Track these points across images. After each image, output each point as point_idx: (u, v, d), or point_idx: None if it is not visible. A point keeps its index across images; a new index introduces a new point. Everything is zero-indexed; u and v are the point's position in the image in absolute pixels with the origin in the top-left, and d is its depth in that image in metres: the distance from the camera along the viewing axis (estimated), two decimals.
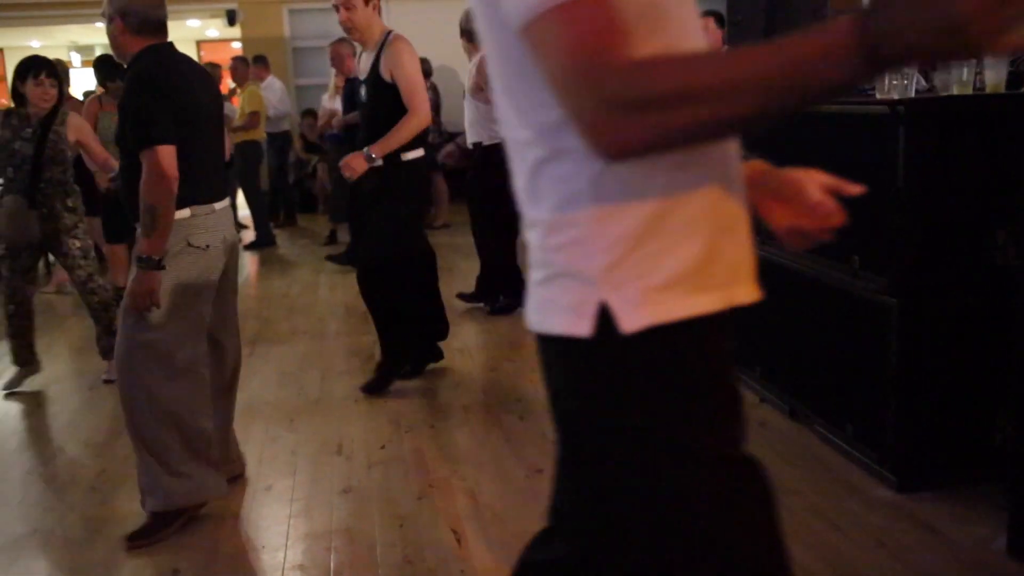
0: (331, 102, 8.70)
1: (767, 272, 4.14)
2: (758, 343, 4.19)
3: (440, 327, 4.86)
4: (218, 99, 3.35)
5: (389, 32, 4.17)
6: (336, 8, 4.08)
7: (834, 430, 3.53)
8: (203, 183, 3.15)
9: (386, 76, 4.08)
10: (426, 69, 8.87)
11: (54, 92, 4.64)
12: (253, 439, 3.98)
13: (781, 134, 3.85)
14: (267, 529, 3.17)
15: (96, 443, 4.07)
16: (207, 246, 3.14)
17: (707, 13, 6.57)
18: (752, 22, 4.45)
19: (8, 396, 4.80)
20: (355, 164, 4.10)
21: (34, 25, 13.86)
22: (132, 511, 3.29)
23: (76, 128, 4.68)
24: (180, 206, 3.04)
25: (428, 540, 3.01)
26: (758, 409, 4.03)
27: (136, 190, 2.97)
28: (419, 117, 4.07)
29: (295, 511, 3.28)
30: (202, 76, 3.27)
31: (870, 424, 3.27)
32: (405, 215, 4.29)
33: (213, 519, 3.25)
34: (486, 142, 5.63)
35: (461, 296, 6.04)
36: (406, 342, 4.53)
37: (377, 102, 4.18)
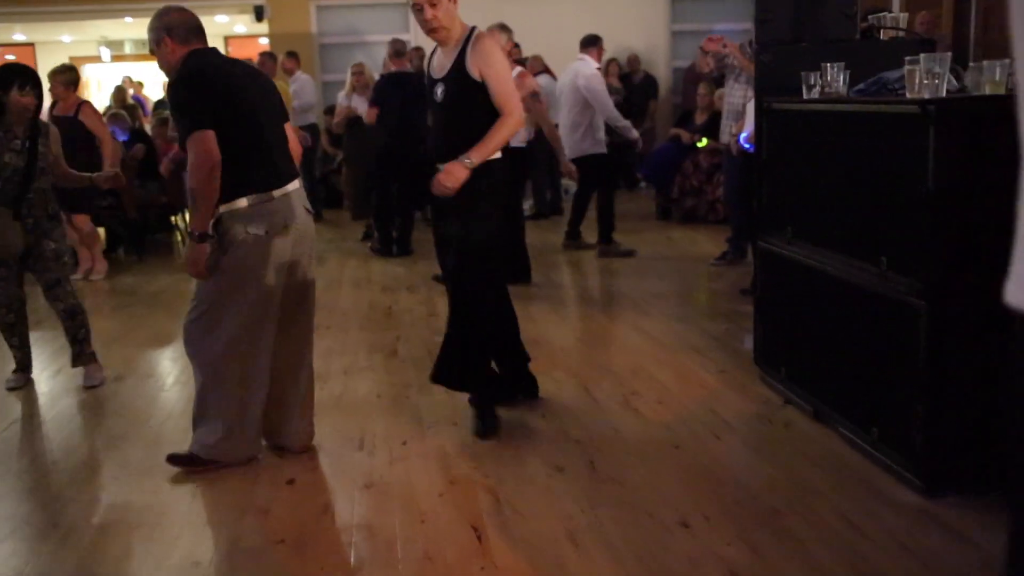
0: (347, 99, 8.72)
1: (792, 271, 4.15)
2: (783, 343, 4.17)
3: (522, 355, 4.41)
4: (269, 93, 3.60)
5: (473, 28, 3.91)
6: (419, 8, 3.77)
7: (859, 433, 3.49)
8: (256, 172, 3.39)
9: (474, 74, 3.79)
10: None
11: (31, 99, 4.62)
12: None
13: (809, 133, 3.83)
14: (289, 523, 3.17)
15: (118, 435, 4.09)
16: (266, 232, 3.38)
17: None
18: (780, 21, 4.41)
19: (11, 391, 4.84)
20: (457, 173, 3.73)
21: (65, 20, 13.98)
22: (147, 503, 3.32)
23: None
24: (234, 196, 3.34)
25: (449, 536, 3.01)
26: (782, 410, 4.00)
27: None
28: (515, 118, 3.84)
29: (318, 504, 3.29)
30: (249, 71, 3.64)
31: (897, 427, 3.23)
32: (497, 216, 3.98)
33: (235, 511, 3.27)
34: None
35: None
36: (482, 360, 4.07)
37: (461, 101, 3.87)
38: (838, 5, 4.38)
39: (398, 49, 8.12)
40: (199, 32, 3.50)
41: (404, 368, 4.86)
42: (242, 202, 3.36)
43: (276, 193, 3.43)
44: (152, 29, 3.46)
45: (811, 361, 3.90)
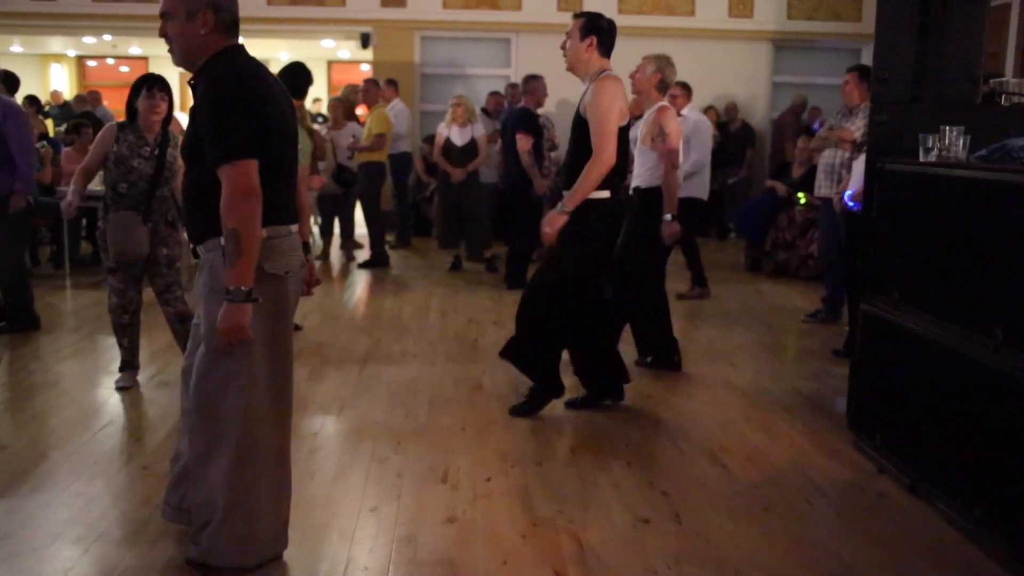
0: (447, 129, 8.83)
1: (896, 336, 4.03)
2: (880, 410, 4.05)
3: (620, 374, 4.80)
4: (294, 113, 3.00)
5: (603, 71, 4.28)
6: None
7: (960, 510, 3.36)
8: (281, 202, 2.82)
9: (584, 113, 4.19)
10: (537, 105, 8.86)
11: (164, 105, 4.81)
12: (361, 456, 4.02)
13: (924, 196, 3.73)
14: (371, 550, 3.17)
15: None
16: (286, 272, 2.84)
17: (852, 69, 6.44)
18: (898, 80, 4.33)
19: (119, 390, 4.98)
20: (553, 220, 4.26)
21: None
22: None
23: None
24: None
25: None
26: (876, 480, 3.87)
27: (202, 208, 2.74)
28: (602, 160, 4.07)
29: (399, 535, 3.28)
30: (280, 87, 2.90)
31: (1004, 508, 3.10)
32: (588, 257, 4.33)
33: (317, 534, 3.28)
34: (643, 186, 5.53)
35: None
36: (552, 369, 4.60)
37: (575, 139, 4.33)
38: (961, 68, 4.28)
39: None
40: (237, 25, 2.84)
41: (489, 403, 4.85)
42: (261, 232, 2.71)
43: (293, 228, 2.90)
44: None
45: (910, 431, 3.77)
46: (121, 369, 5.06)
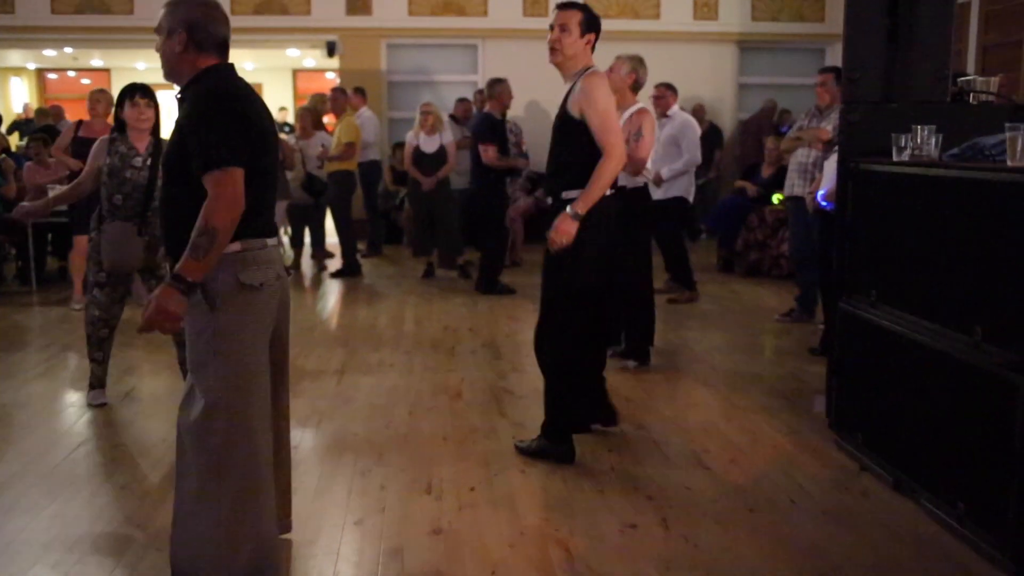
0: (416, 138, 8.79)
1: (874, 335, 4.05)
2: (861, 408, 4.07)
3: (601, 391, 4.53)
4: (275, 130, 3.03)
5: (588, 67, 3.99)
6: (551, 27, 3.96)
7: (944, 507, 3.38)
8: (260, 216, 2.85)
9: (574, 112, 3.89)
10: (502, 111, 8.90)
11: (150, 112, 4.78)
12: (343, 469, 3.98)
13: (898, 196, 3.76)
14: (358, 565, 3.14)
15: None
16: (260, 284, 2.81)
17: (826, 70, 6.49)
18: (869, 80, 4.36)
19: (96, 407, 4.89)
20: (566, 228, 3.84)
21: (140, 48, 14.32)
22: None
23: None
24: (231, 239, 2.73)
25: None
26: (860, 478, 3.89)
27: (181, 222, 2.73)
28: (615, 159, 3.85)
29: (385, 549, 3.25)
30: (263, 105, 2.97)
31: (987, 504, 3.12)
32: (591, 256, 3.96)
33: (303, 550, 3.24)
34: (630, 186, 5.48)
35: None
36: (571, 402, 4.14)
37: (561, 138, 4.02)
38: (930, 67, 4.32)
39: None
40: (222, 46, 2.88)
41: (469, 411, 4.82)
42: (235, 246, 2.73)
43: (270, 242, 2.90)
44: (170, 14, 2.83)
45: (892, 429, 3.80)
46: (92, 386, 4.97)
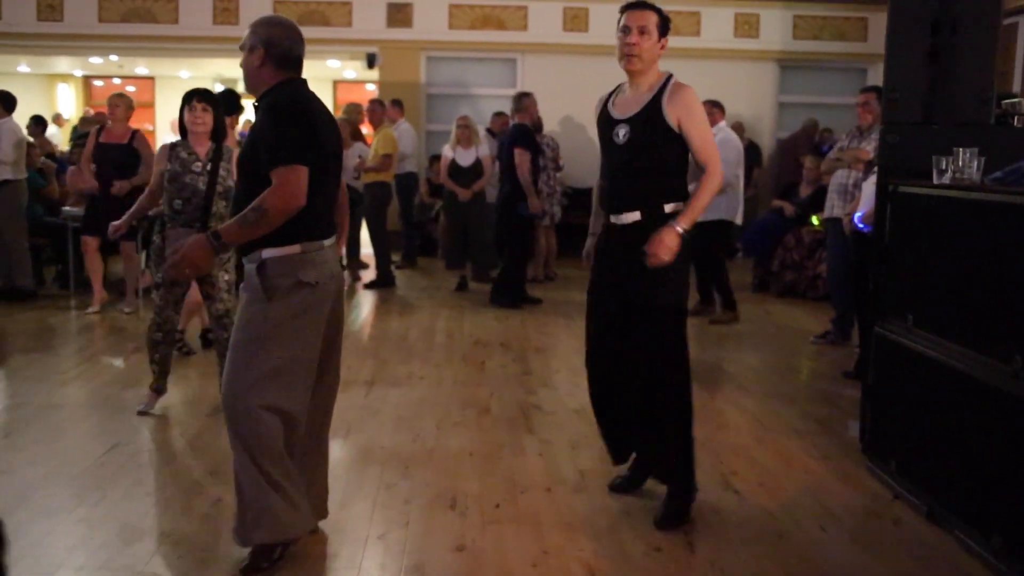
0: (452, 151, 8.81)
1: (910, 361, 3.97)
2: (895, 435, 3.99)
3: None
4: (340, 142, 3.35)
5: (670, 76, 3.63)
6: (627, 29, 3.55)
7: (979, 539, 3.29)
8: (318, 220, 3.12)
9: (671, 121, 3.52)
10: (536, 125, 8.95)
11: (207, 116, 4.82)
12: (368, 482, 3.97)
13: (938, 219, 3.68)
14: None
15: (214, 471, 4.10)
16: (316, 282, 3.09)
17: (868, 89, 6.42)
18: (910, 101, 4.29)
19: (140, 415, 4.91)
20: (671, 243, 3.47)
21: (184, 57, 14.53)
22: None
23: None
24: (291, 241, 3.03)
25: None
26: (892, 506, 3.81)
27: None
28: (719, 177, 3.58)
29: (407, 565, 3.22)
30: (331, 117, 3.28)
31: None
32: (685, 279, 3.69)
33: (324, 563, 3.23)
34: None
35: None
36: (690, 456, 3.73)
37: (650, 146, 3.57)
38: (973, 88, 4.24)
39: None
40: (296, 63, 3.17)
41: (497, 427, 4.79)
42: (295, 248, 3.04)
43: (326, 243, 3.18)
44: (253, 33, 3.14)
45: (927, 457, 3.71)
46: (150, 388, 4.97)
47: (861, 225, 5.66)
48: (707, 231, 7.42)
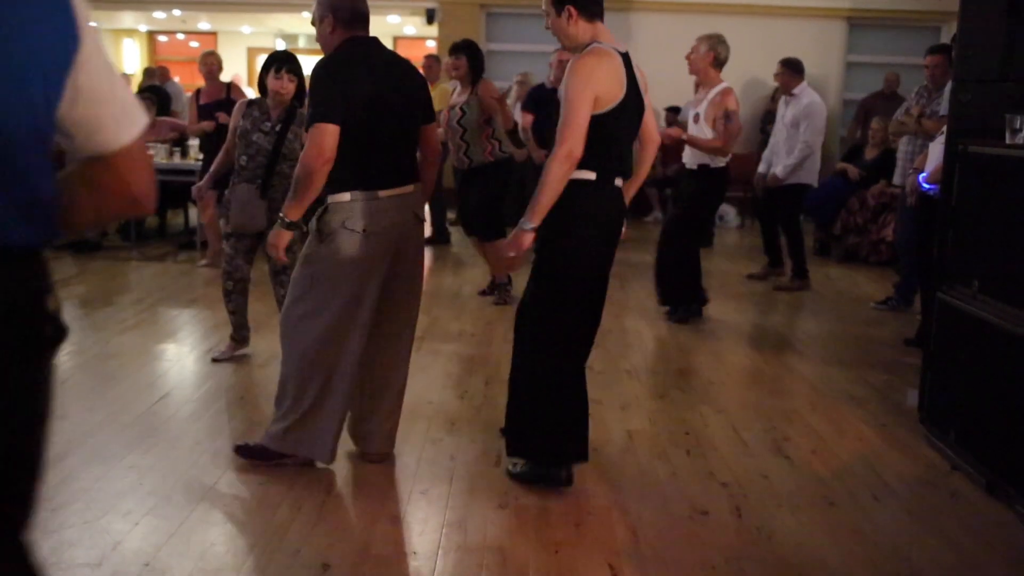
0: (512, 107, 8.70)
1: (974, 328, 3.83)
2: (955, 404, 3.86)
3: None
4: (411, 94, 3.47)
5: (591, 43, 3.34)
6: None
7: None
8: (369, 170, 3.31)
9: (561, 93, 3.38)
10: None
11: (291, 86, 4.81)
12: (414, 437, 3.96)
13: (1010, 181, 3.51)
14: (420, 534, 3.11)
15: (260, 421, 4.12)
16: (364, 230, 3.29)
17: (936, 49, 6.19)
18: (984, 57, 4.10)
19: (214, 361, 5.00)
20: (519, 241, 3.32)
21: (247, 12, 14.57)
22: (283, 495, 3.32)
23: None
24: (341, 189, 3.30)
25: (583, 571, 2.88)
26: (950, 477, 3.70)
27: None
28: (559, 153, 3.19)
29: (449, 520, 3.21)
30: (395, 69, 3.44)
31: None
32: (574, 249, 3.44)
33: (368, 516, 3.23)
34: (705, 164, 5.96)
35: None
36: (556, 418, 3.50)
37: (553, 123, 3.32)
38: None
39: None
40: (364, 20, 3.37)
41: None
42: (345, 196, 3.30)
43: (383, 194, 3.33)
44: (319, 4, 3.36)
45: (988, 428, 3.59)
46: (232, 338, 5.08)
47: (926, 186, 5.46)
48: (789, 194, 7.28)
